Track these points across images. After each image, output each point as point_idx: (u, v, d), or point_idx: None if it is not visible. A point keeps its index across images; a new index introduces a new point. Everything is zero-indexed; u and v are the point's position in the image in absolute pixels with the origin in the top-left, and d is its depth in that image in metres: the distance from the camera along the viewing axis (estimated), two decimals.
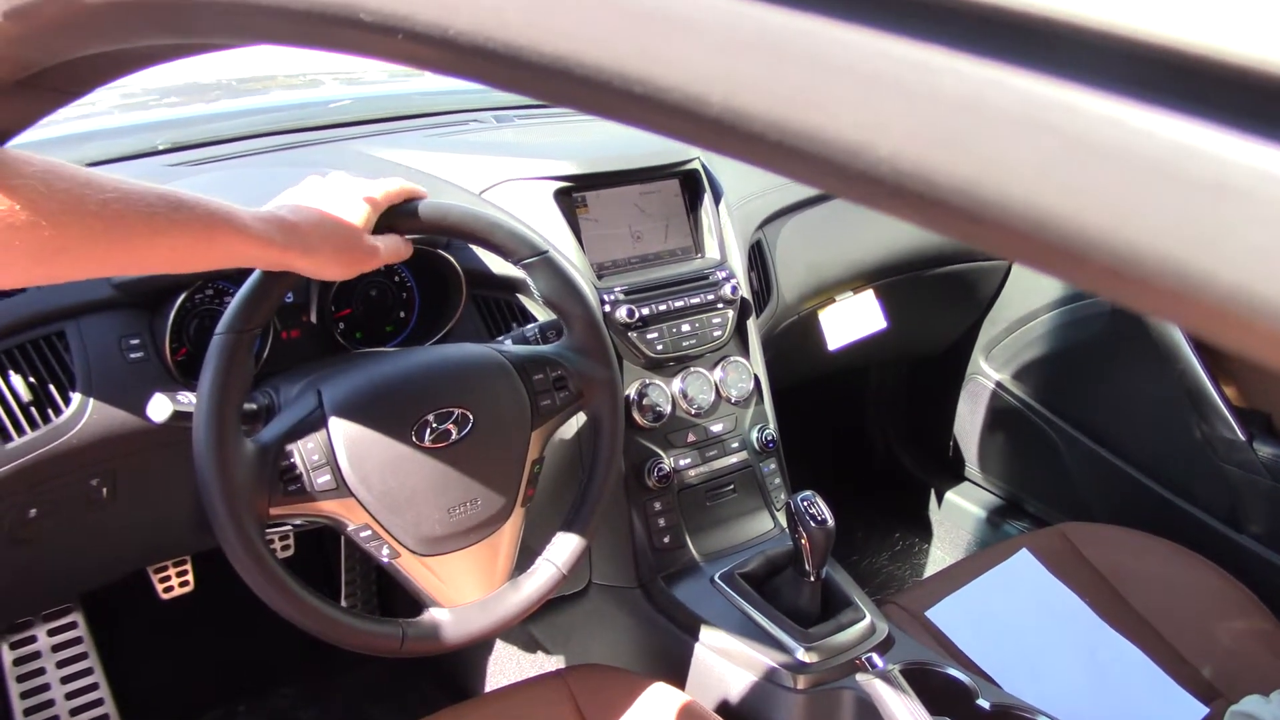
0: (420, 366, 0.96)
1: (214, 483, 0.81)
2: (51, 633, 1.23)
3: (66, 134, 1.28)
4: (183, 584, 1.32)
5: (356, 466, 0.88)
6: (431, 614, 0.95)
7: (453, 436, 0.93)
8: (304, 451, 0.87)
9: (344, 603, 1.72)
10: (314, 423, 0.88)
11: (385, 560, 0.92)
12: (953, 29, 0.18)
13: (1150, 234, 0.16)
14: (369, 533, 0.90)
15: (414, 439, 0.91)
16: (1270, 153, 0.15)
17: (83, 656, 1.25)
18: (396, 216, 0.90)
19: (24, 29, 0.45)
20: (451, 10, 0.25)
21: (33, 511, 0.96)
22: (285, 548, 1.53)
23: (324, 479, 0.87)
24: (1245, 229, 0.16)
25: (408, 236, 0.95)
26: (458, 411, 0.93)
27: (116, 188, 0.68)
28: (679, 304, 1.31)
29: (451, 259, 1.12)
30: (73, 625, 1.25)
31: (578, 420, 1.22)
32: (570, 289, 0.99)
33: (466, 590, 0.96)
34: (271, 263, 0.82)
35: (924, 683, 1.08)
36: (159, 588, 1.31)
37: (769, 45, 0.19)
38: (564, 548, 1.01)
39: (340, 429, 0.88)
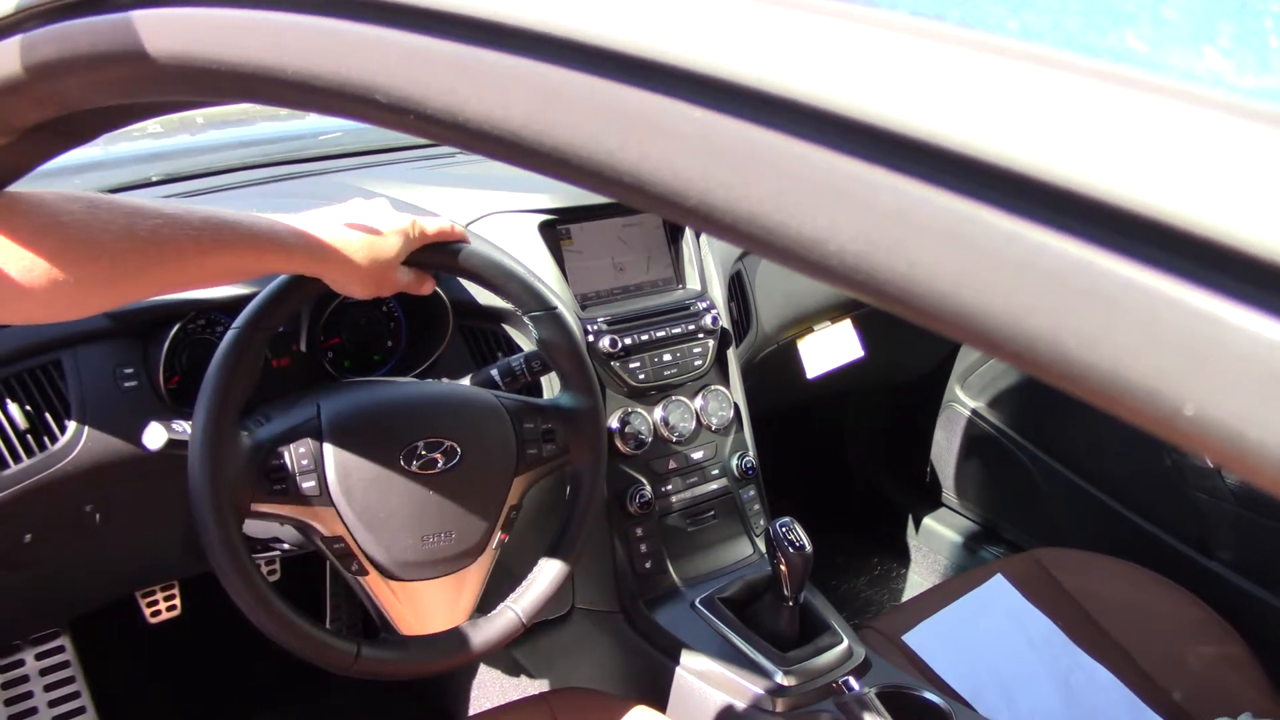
0: (419, 396, 0.99)
1: (202, 468, 0.83)
2: (39, 656, 1.24)
3: (61, 165, 1.29)
4: (170, 609, 1.33)
5: (342, 478, 0.90)
6: (388, 639, 0.96)
7: (439, 466, 0.95)
8: (294, 455, 0.89)
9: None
10: (309, 430, 0.91)
11: (352, 576, 0.94)
12: (894, 153, 0.21)
13: (1039, 325, 0.20)
14: (341, 545, 0.91)
15: (401, 463, 0.93)
16: (1136, 269, 0.19)
17: (70, 680, 1.26)
18: (419, 250, 0.93)
19: (88, 78, 0.46)
20: (462, 100, 0.28)
21: (28, 536, 0.98)
22: (271, 573, 1.54)
23: (309, 484, 0.89)
24: (1105, 324, 0.19)
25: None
26: (447, 443, 0.95)
27: (160, 212, 0.70)
28: (660, 334, 1.33)
29: (439, 290, 1.15)
30: (60, 649, 1.26)
31: None
32: (571, 348, 1.02)
33: (427, 620, 0.97)
34: (308, 271, 0.86)
35: (900, 706, 1.10)
36: (146, 612, 1.32)
37: (740, 153, 0.22)
38: (529, 596, 1.02)
39: (333, 440, 0.91)
